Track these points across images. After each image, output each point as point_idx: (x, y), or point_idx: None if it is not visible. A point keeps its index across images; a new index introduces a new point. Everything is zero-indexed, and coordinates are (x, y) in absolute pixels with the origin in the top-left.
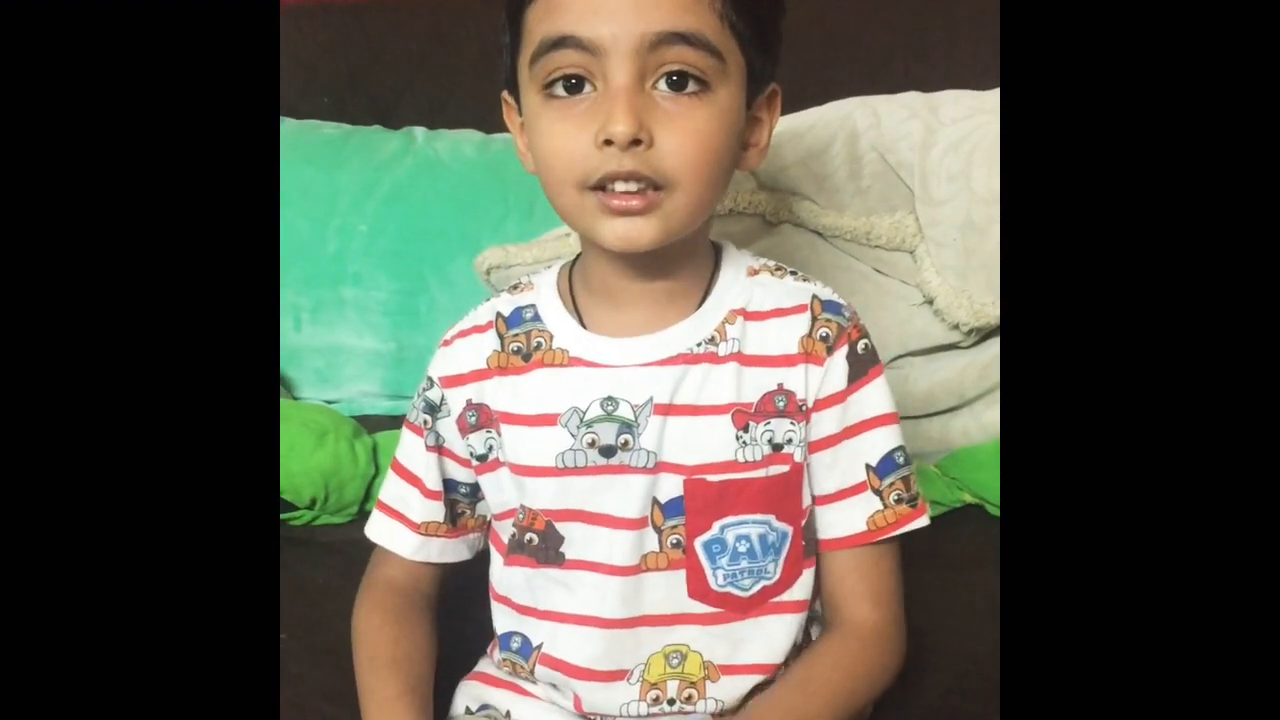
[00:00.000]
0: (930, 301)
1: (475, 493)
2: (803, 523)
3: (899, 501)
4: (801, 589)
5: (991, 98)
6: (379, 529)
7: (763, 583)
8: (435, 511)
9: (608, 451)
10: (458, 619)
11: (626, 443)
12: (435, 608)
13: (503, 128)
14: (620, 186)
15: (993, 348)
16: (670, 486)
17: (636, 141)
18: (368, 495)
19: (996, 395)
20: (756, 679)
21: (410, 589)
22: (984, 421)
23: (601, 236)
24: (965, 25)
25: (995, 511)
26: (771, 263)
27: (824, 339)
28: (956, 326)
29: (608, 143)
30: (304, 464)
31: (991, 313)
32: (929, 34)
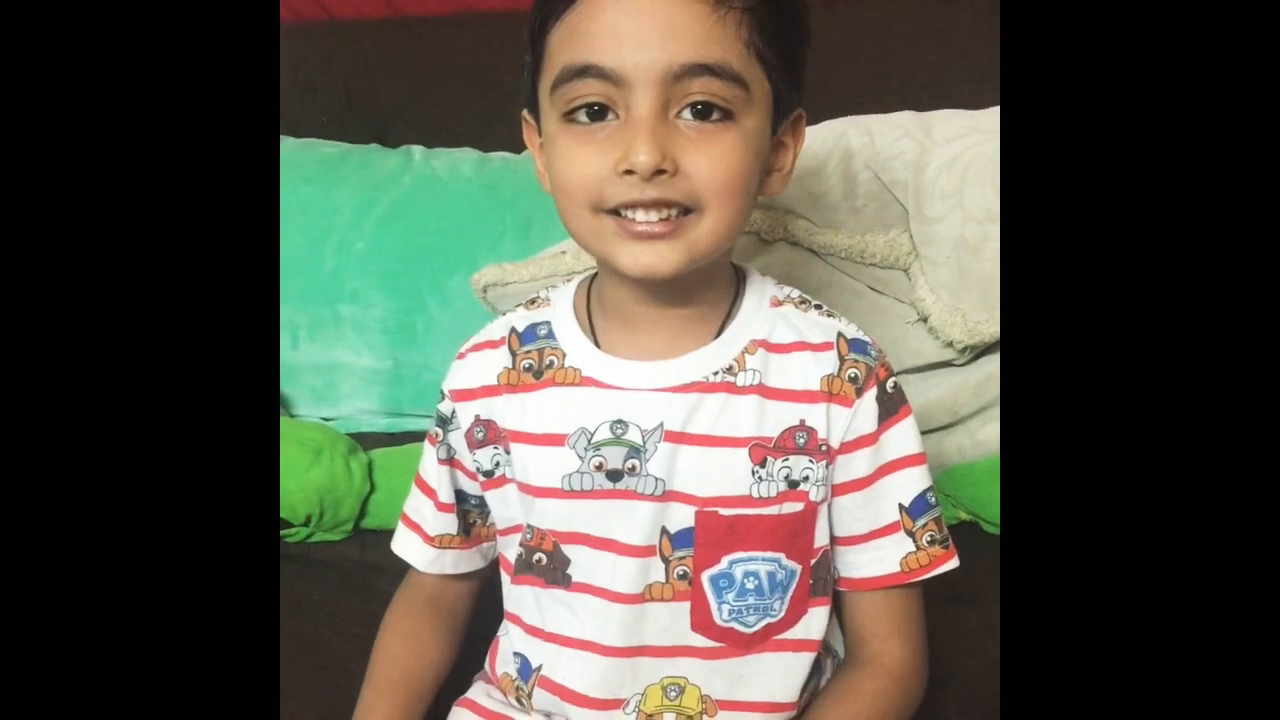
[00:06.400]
0: (924, 319)
1: (485, 504)
2: (812, 562)
3: (932, 543)
4: (804, 628)
5: (985, 117)
6: (399, 541)
7: (767, 620)
8: (449, 524)
9: (614, 476)
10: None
11: (634, 468)
12: (460, 617)
13: (500, 146)
14: (641, 216)
15: (987, 365)
16: (681, 517)
17: (660, 171)
18: (363, 513)
19: (991, 412)
20: (756, 717)
21: (436, 596)
22: (979, 439)
23: (620, 263)
24: (959, 45)
25: (991, 529)
26: (796, 294)
27: (853, 380)
28: (950, 344)
29: (629, 172)
30: (299, 481)
31: (985, 330)
32: (923, 54)
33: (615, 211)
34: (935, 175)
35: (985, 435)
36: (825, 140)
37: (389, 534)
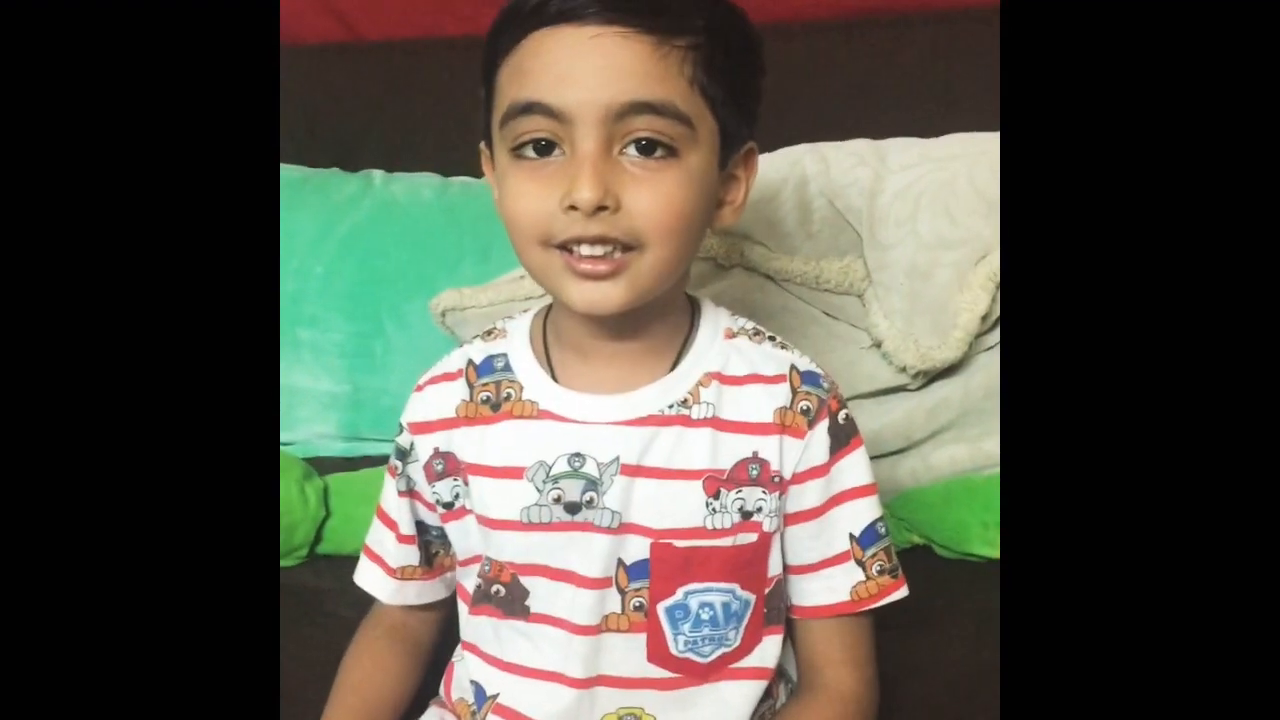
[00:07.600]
0: (878, 345)
1: (447, 535)
2: (766, 591)
3: (881, 573)
4: (759, 656)
5: (938, 145)
6: (362, 573)
7: (722, 650)
8: (409, 556)
9: (572, 508)
10: None
11: (591, 500)
12: (423, 646)
13: (460, 171)
14: (586, 250)
15: (939, 391)
16: (636, 549)
17: (603, 207)
18: (318, 538)
19: (943, 437)
20: None
21: (400, 626)
22: (931, 463)
23: (568, 298)
24: (914, 73)
25: (943, 552)
26: (750, 325)
27: (805, 412)
28: (904, 369)
29: (572, 208)
30: None
31: (937, 356)
32: (878, 82)
33: (563, 246)
34: (889, 202)
35: (938, 459)
36: (781, 167)
37: (344, 560)
